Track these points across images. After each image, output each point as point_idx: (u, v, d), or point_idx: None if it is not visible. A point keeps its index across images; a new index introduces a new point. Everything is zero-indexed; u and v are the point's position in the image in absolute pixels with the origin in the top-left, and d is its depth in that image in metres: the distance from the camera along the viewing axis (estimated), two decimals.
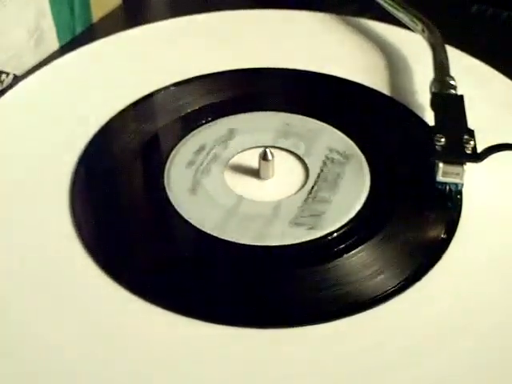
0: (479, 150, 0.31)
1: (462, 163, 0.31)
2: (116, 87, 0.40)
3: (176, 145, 0.36)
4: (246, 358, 0.26)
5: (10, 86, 0.40)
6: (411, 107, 0.38)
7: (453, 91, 0.35)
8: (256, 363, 0.26)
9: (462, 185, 0.32)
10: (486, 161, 0.31)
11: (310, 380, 0.26)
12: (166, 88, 0.39)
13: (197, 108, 0.38)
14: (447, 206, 0.32)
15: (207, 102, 0.39)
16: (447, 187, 0.32)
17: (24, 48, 0.43)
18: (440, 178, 0.31)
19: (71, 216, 0.32)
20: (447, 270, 0.29)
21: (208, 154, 0.35)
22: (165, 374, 0.26)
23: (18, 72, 0.42)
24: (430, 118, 0.35)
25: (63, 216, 0.32)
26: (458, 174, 0.31)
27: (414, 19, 0.41)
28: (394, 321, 0.28)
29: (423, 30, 0.40)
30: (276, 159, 0.34)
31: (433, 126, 0.33)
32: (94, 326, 0.27)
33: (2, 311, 0.28)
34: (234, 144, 0.36)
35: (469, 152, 0.31)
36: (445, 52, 0.38)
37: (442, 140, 0.32)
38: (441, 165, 0.31)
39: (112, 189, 0.34)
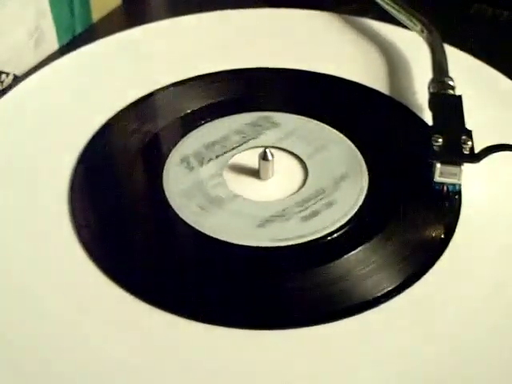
0: (477, 150, 0.32)
1: (459, 164, 0.31)
2: (116, 87, 0.40)
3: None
4: (245, 358, 0.26)
5: (10, 86, 0.40)
6: (410, 107, 0.38)
7: (451, 91, 0.36)
8: (255, 363, 0.26)
9: (460, 185, 0.32)
10: (485, 161, 0.31)
11: (310, 380, 0.26)
12: (166, 88, 0.39)
13: (197, 108, 0.38)
14: (446, 207, 0.32)
15: (207, 102, 0.39)
16: (445, 187, 0.32)
17: (24, 48, 0.43)
18: (437, 178, 0.31)
19: (71, 216, 0.32)
20: (446, 270, 0.29)
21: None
22: (164, 374, 0.26)
23: (18, 72, 0.42)
24: (429, 117, 0.35)
25: (63, 216, 0.32)
26: (455, 175, 0.31)
27: (413, 19, 0.41)
28: (393, 321, 0.28)
29: (422, 31, 0.40)
30: (276, 159, 0.34)
31: (431, 127, 0.34)
32: (93, 326, 0.27)
33: (2, 311, 0.28)
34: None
35: (466, 152, 0.31)
36: (443, 52, 0.38)
37: (440, 140, 0.32)
38: (438, 165, 0.31)
39: (111, 189, 0.34)
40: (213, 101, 0.39)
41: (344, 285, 0.29)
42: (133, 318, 0.28)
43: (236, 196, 0.33)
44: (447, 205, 0.32)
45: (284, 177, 0.34)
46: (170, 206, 0.32)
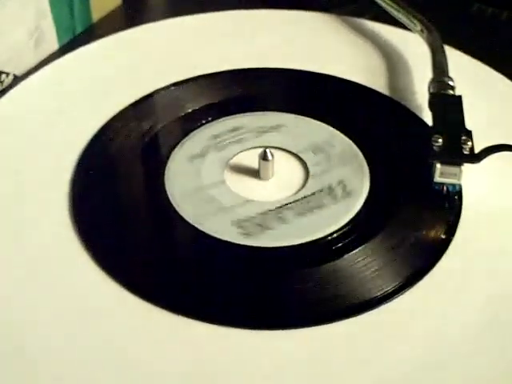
0: (477, 150, 0.32)
1: (459, 164, 0.31)
2: (116, 87, 0.40)
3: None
4: (245, 358, 0.26)
5: (10, 86, 0.40)
6: (410, 107, 0.38)
7: (451, 91, 0.36)
8: (255, 364, 0.26)
9: (460, 185, 0.32)
10: (486, 161, 0.31)
11: (310, 380, 0.26)
12: (166, 88, 0.39)
13: (197, 108, 0.38)
14: (446, 207, 0.32)
15: (207, 102, 0.39)
16: (445, 188, 0.32)
17: (24, 48, 0.43)
18: (437, 178, 0.31)
19: (71, 216, 0.32)
20: (446, 270, 0.29)
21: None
22: (164, 374, 0.26)
23: (18, 72, 0.42)
24: (429, 117, 0.35)
25: (63, 216, 0.32)
26: (455, 175, 0.31)
27: (413, 19, 0.41)
28: (393, 322, 0.28)
29: (422, 31, 0.40)
30: (276, 159, 0.34)
31: (431, 127, 0.34)
32: (93, 326, 0.27)
33: (2, 311, 0.28)
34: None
35: (466, 153, 0.31)
36: (443, 52, 0.38)
37: (440, 140, 0.32)
38: (438, 165, 0.31)
39: (112, 189, 0.34)
40: (213, 101, 0.39)
41: (344, 285, 0.29)
42: (133, 317, 0.28)
43: (236, 196, 0.33)
44: (447, 205, 0.32)
45: (284, 177, 0.34)
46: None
